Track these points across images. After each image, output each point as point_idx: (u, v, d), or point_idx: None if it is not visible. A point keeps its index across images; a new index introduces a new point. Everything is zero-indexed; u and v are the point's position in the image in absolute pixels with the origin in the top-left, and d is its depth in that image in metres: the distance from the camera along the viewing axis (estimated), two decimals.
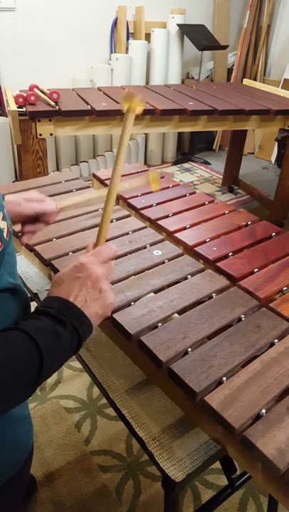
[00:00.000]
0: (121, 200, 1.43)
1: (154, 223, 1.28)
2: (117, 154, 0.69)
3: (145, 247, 1.14)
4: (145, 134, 3.81)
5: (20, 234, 0.87)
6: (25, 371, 0.52)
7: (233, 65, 4.37)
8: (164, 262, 1.07)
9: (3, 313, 0.62)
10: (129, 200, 1.38)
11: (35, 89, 2.18)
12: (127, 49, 3.58)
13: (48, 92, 2.13)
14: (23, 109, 2.03)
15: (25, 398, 0.55)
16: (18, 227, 1.03)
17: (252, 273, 1.05)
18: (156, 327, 0.87)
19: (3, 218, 0.60)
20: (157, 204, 1.38)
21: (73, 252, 1.10)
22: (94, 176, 1.59)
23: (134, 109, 0.70)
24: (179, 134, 4.22)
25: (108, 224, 0.69)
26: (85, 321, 0.58)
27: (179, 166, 4.08)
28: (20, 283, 0.68)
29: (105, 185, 1.51)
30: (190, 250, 1.15)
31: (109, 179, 1.52)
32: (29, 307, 0.72)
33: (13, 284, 0.64)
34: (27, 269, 1.24)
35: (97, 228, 0.69)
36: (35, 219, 0.85)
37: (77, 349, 0.59)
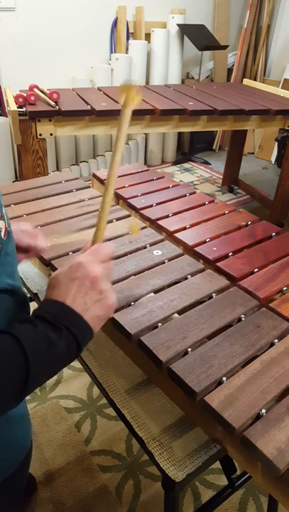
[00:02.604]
0: (121, 200, 1.43)
1: (154, 223, 1.28)
2: (114, 151, 0.66)
3: (145, 247, 1.14)
4: (145, 134, 3.81)
5: None
6: (9, 379, 0.49)
7: (233, 65, 4.36)
8: (164, 262, 1.07)
9: (0, 314, 0.61)
10: (129, 200, 1.38)
11: (35, 89, 2.18)
12: (127, 49, 3.58)
13: (48, 92, 2.13)
14: (23, 109, 2.03)
15: (10, 407, 0.52)
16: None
17: (252, 273, 1.05)
18: (156, 327, 0.87)
19: (1, 217, 0.60)
20: (157, 204, 1.38)
21: (73, 252, 1.10)
22: (94, 175, 1.59)
23: (129, 103, 0.65)
24: (179, 134, 4.22)
25: (105, 221, 0.65)
26: (84, 325, 0.56)
27: (179, 166, 4.08)
28: (20, 284, 0.67)
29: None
30: (190, 250, 1.15)
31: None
32: (28, 308, 0.71)
33: (11, 286, 0.62)
34: (27, 269, 1.24)
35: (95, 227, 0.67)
36: (26, 249, 0.87)
37: (77, 354, 0.56)
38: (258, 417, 0.69)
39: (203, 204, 1.40)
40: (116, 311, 0.89)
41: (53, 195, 1.39)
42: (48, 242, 0.91)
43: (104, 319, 0.59)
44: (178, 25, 3.63)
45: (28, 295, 1.20)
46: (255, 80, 4.36)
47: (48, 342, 0.52)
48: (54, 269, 1.04)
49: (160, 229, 1.25)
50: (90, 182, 1.59)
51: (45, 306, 0.56)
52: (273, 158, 4.26)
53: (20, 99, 2.03)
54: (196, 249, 1.14)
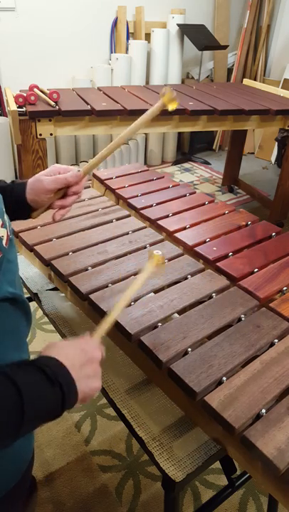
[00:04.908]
0: (121, 200, 1.43)
1: (154, 223, 1.28)
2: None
3: (145, 247, 1.14)
4: (145, 134, 3.81)
5: (54, 211, 0.83)
6: (4, 416, 0.49)
7: (233, 65, 4.36)
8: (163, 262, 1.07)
9: (1, 324, 0.60)
10: (129, 200, 1.38)
11: (35, 89, 2.18)
12: (127, 49, 3.58)
13: (48, 92, 2.13)
14: (23, 109, 2.03)
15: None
16: (17, 227, 1.01)
17: (252, 273, 1.05)
18: (156, 327, 0.87)
19: (3, 225, 0.60)
20: (157, 204, 1.37)
21: (73, 252, 1.10)
22: (94, 175, 1.59)
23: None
24: (179, 134, 4.22)
25: (112, 321, 0.68)
26: (74, 393, 0.56)
27: (179, 166, 4.08)
28: (22, 292, 0.67)
29: (105, 185, 1.51)
30: (190, 250, 1.15)
31: (109, 179, 1.52)
32: (30, 317, 0.70)
33: (13, 294, 0.62)
34: (27, 269, 1.24)
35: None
36: (64, 194, 0.81)
37: (56, 416, 0.55)
38: (258, 417, 0.69)
39: (203, 204, 1.40)
40: None
41: None
42: (81, 171, 0.82)
43: (82, 399, 0.58)
44: (178, 25, 3.63)
45: (28, 295, 1.20)
46: (255, 80, 4.36)
47: (44, 398, 0.52)
48: (54, 268, 1.04)
49: (160, 229, 1.25)
50: (90, 182, 1.59)
51: (44, 359, 0.56)
52: (273, 158, 4.26)
53: (21, 99, 2.03)
54: (196, 249, 1.14)
